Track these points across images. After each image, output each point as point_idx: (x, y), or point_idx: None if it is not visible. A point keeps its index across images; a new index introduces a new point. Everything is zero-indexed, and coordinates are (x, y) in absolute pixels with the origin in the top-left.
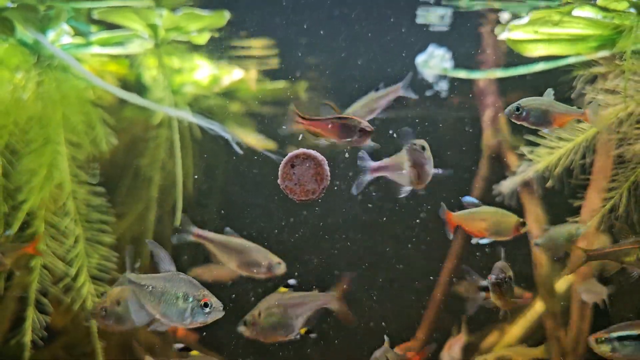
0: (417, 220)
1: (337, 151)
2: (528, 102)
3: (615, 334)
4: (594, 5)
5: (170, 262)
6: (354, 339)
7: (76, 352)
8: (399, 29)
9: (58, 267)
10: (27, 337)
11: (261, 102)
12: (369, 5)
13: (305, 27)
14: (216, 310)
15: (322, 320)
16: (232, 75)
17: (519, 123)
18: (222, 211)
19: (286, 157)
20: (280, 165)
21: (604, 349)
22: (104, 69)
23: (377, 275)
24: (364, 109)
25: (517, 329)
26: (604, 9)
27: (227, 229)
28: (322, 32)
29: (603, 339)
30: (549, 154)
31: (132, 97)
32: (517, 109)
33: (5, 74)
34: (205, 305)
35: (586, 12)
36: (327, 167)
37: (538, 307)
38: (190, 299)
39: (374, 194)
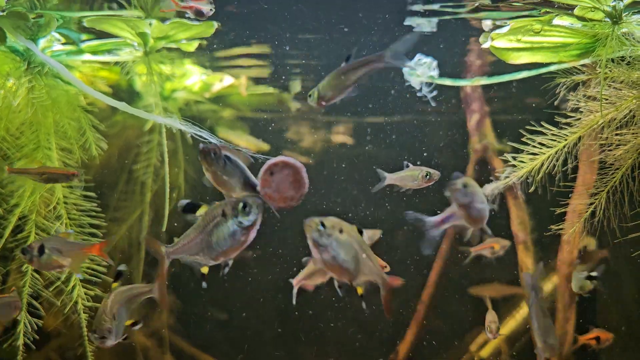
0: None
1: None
2: None
3: None
4: (571, 15)
5: None
6: None
7: (68, 355)
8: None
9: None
10: (20, 341)
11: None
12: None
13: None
14: (257, 205)
15: None
16: (222, 81)
17: None
18: None
19: (265, 165)
20: (260, 173)
21: None
22: (96, 75)
23: None
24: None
25: (505, 329)
26: (581, 18)
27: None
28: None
29: None
30: (531, 160)
31: (120, 105)
32: None
33: None
34: (244, 207)
35: (566, 21)
36: (305, 175)
37: (526, 309)
38: (229, 215)
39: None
